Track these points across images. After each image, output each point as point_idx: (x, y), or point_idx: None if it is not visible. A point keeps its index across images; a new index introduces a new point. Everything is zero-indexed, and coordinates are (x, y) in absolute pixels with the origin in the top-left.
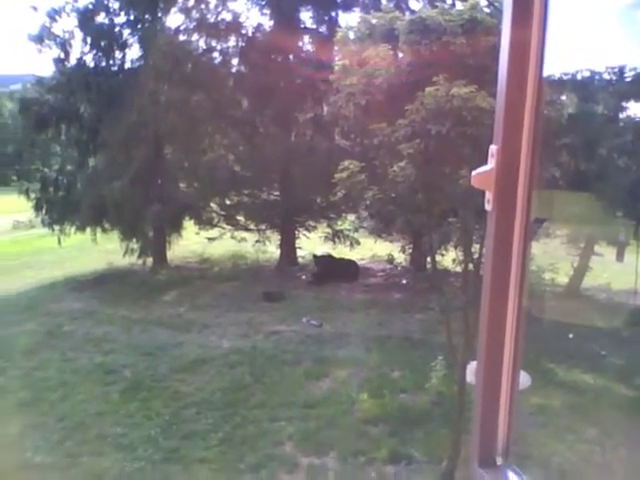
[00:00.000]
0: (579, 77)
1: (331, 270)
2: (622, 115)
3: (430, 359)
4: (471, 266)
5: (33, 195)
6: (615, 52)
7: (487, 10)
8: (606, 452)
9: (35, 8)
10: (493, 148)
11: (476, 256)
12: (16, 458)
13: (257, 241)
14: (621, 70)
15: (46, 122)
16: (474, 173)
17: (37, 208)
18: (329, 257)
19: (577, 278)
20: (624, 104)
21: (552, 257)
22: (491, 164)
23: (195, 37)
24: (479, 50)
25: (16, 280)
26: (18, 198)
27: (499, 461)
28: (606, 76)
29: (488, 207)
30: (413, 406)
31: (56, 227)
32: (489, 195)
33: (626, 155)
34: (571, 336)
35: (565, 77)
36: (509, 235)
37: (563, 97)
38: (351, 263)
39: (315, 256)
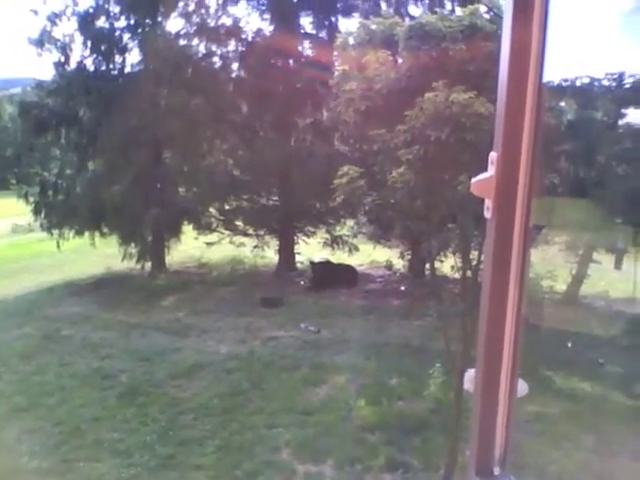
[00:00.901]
0: (578, 83)
1: (329, 276)
2: (621, 122)
3: (428, 366)
4: (469, 273)
5: (32, 199)
6: (615, 58)
7: (487, 16)
8: (603, 460)
9: (36, 12)
10: (493, 155)
11: (474, 263)
12: (12, 463)
13: (255, 246)
14: (620, 77)
15: (46, 126)
16: (474, 180)
17: (36, 212)
18: (327, 263)
19: (575, 285)
20: (623, 111)
21: (550, 264)
22: (491, 172)
23: (195, 42)
24: (479, 56)
25: (15, 284)
26: (17, 202)
27: (496, 471)
28: (605, 82)
29: (487, 214)
30: (411, 413)
31: (55, 231)
32: (488, 203)
33: (625, 162)
34: (570, 345)
35: (565, 83)
36: (508, 242)
37: (562, 103)
38: (349, 269)
39: (312, 262)
